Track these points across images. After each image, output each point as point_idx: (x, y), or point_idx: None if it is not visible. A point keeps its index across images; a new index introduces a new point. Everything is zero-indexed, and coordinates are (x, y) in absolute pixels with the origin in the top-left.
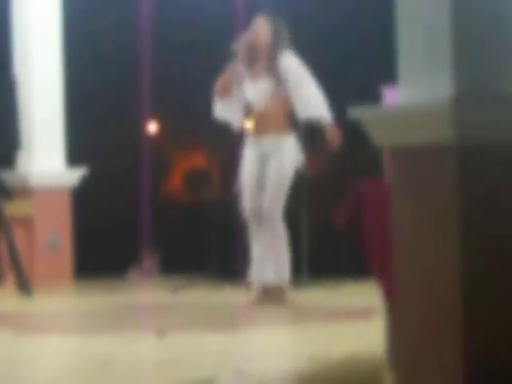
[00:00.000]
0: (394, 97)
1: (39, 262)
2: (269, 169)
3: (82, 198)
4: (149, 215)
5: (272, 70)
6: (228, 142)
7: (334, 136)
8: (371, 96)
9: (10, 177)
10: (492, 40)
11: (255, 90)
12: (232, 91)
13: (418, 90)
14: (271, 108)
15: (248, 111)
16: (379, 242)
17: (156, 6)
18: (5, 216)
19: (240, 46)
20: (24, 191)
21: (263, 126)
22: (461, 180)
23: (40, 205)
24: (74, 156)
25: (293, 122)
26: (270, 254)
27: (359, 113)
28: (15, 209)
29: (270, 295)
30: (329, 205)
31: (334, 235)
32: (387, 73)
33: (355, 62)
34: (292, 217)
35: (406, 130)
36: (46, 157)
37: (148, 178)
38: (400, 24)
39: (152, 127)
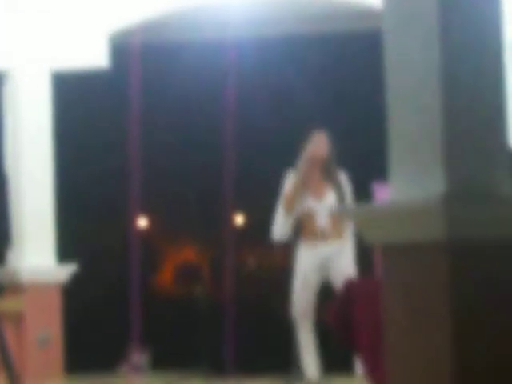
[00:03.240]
0: (384, 193)
1: (30, 357)
2: (334, 272)
3: (73, 293)
4: (138, 310)
5: (334, 184)
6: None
7: None
8: (362, 192)
9: (0, 273)
10: (482, 138)
11: (320, 204)
12: (296, 204)
13: (408, 187)
14: (334, 218)
15: (303, 220)
16: (371, 339)
17: (145, 103)
18: None
19: (303, 160)
20: (14, 287)
21: (326, 234)
22: (452, 276)
23: (30, 301)
24: (64, 251)
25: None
26: (312, 352)
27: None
28: (5, 305)
29: None
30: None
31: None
32: (378, 169)
33: (346, 158)
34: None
35: (396, 227)
36: (37, 253)
37: (138, 272)
38: (391, 122)
39: (142, 222)
